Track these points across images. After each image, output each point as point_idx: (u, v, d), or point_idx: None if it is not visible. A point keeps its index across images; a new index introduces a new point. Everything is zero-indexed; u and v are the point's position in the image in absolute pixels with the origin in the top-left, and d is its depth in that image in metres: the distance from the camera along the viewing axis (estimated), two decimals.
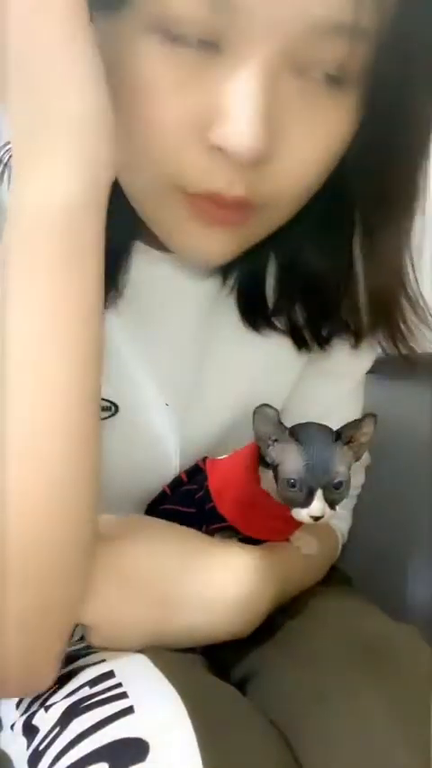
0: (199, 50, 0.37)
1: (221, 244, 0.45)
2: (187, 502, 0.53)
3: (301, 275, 0.54)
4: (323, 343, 0.57)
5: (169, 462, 0.56)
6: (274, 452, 0.46)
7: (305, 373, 0.60)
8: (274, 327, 0.56)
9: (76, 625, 0.47)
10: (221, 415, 0.56)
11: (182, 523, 0.51)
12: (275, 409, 0.46)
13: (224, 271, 0.54)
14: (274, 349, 0.57)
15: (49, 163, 0.36)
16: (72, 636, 0.49)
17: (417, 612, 0.67)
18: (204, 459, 0.54)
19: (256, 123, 0.37)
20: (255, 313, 0.55)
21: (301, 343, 0.57)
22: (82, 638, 0.47)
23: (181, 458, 0.56)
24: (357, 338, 0.56)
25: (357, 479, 0.65)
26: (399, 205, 0.48)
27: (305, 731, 0.39)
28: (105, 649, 0.45)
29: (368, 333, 0.55)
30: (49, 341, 0.37)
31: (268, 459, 0.46)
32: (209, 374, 0.55)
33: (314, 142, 0.41)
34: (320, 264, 0.53)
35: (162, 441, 0.55)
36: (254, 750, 0.37)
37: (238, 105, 0.37)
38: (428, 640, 0.46)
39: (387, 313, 0.53)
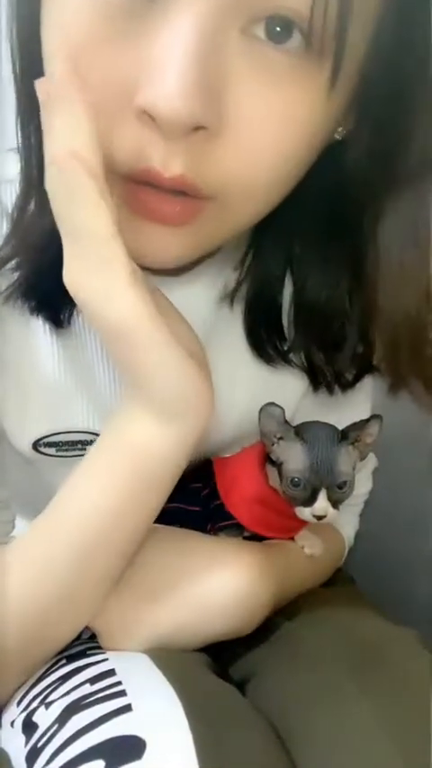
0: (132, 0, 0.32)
1: (164, 244, 0.38)
2: (192, 500, 0.52)
3: (311, 305, 0.49)
4: (346, 386, 0.52)
5: None
6: (278, 450, 0.46)
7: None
8: (290, 363, 0.52)
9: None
10: (223, 431, 0.54)
11: (186, 522, 0.51)
12: (281, 408, 0.45)
13: (231, 296, 0.50)
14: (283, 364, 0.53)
15: (157, 418, 0.40)
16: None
17: (421, 612, 0.66)
18: (208, 460, 0.54)
19: (187, 81, 0.31)
20: (269, 347, 0.51)
21: (318, 383, 0.52)
22: (92, 637, 0.47)
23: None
24: (394, 384, 0.46)
25: (365, 486, 0.64)
26: (416, 213, 0.40)
27: (300, 733, 0.38)
28: (112, 649, 0.45)
29: (405, 377, 0.45)
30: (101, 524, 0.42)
31: (273, 457, 0.46)
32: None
33: (270, 120, 0.34)
34: (327, 291, 0.48)
35: None
36: (250, 750, 0.36)
37: (166, 60, 0.31)
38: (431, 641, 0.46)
39: (419, 350, 0.43)
